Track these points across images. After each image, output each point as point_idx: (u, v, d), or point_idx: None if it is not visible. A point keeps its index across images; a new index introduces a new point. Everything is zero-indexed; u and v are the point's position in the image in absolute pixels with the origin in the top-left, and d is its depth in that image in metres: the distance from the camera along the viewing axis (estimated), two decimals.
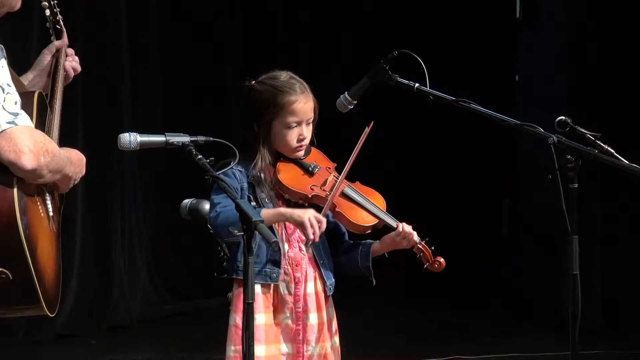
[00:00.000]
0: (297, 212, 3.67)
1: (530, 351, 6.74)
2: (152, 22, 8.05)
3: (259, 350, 3.71)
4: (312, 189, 3.81)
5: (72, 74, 3.72)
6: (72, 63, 3.71)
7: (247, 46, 8.56)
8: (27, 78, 3.62)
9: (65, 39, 3.69)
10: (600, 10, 7.38)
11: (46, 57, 3.67)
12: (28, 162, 2.98)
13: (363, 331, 7.19)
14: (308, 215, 3.66)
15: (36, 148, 3.00)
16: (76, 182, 3.35)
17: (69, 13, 7.04)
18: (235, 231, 3.23)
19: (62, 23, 3.69)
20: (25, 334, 7.03)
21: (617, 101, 7.36)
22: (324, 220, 3.70)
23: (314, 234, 3.66)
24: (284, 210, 3.70)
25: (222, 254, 3.85)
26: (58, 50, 3.67)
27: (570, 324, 3.66)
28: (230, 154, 3.49)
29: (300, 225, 3.68)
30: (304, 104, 3.82)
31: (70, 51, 3.73)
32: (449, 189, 9.32)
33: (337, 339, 3.92)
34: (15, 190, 3.01)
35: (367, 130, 3.83)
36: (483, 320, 7.69)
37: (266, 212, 3.63)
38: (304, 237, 3.80)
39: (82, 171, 3.35)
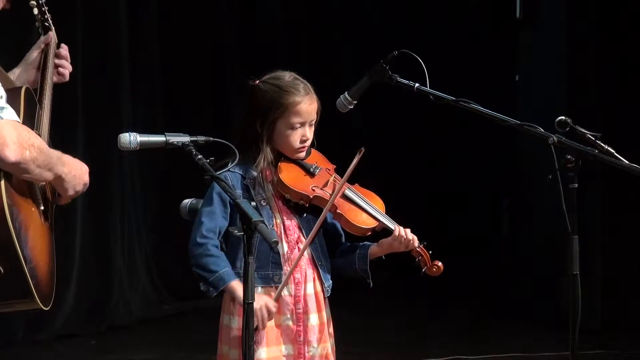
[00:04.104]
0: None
1: (530, 351, 6.74)
2: (152, 22, 8.05)
3: (261, 352, 3.73)
4: (314, 190, 3.82)
5: (67, 77, 3.72)
6: (66, 64, 3.70)
7: (247, 46, 8.56)
8: (14, 73, 3.61)
9: (53, 35, 3.70)
10: (600, 10, 7.38)
11: (34, 53, 3.67)
12: (11, 154, 2.95)
13: (363, 331, 7.20)
14: (260, 304, 3.67)
15: (20, 141, 2.98)
16: (78, 192, 3.30)
17: (69, 13, 7.11)
18: (235, 231, 3.23)
19: (50, 21, 3.70)
20: (24, 333, 7.03)
21: (617, 101, 7.36)
22: (274, 310, 3.72)
23: (261, 324, 3.70)
24: (239, 294, 3.56)
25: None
26: (47, 46, 3.67)
27: (571, 324, 3.66)
28: (229, 154, 3.50)
29: None
30: (308, 105, 3.83)
31: (65, 53, 3.72)
32: (448, 189, 9.32)
33: (332, 340, 3.93)
34: (2, 183, 3.00)
35: (357, 157, 3.81)
36: (483, 320, 7.69)
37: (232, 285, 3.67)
38: (304, 240, 3.81)
39: (84, 178, 3.30)
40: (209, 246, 3.72)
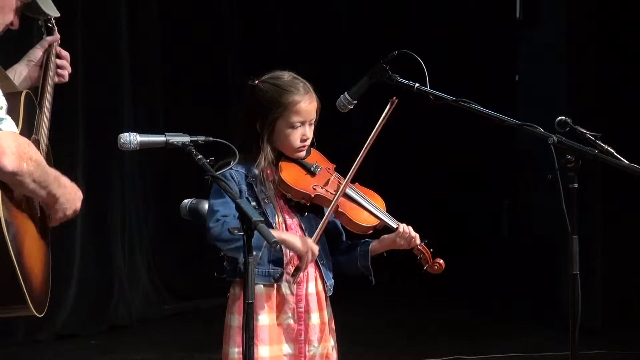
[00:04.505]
0: (299, 244, 3.72)
1: (530, 351, 6.74)
2: (152, 22, 8.05)
3: (263, 351, 3.73)
4: (315, 189, 3.82)
5: (66, 77, 3.71)
6: (66, 65, 3.69)
7: (247, 46, 8.56)
8: (15, 70, 3.60)
9: (57, 35, 3.68)
10: (600, 10, 7.38)
11: (38, 52, 3.66)
12: (9, 163, 2.95)
13: (363, 330, 7.20)
14: (307, 247, 3.71)
15: (19, 152, 2.98)
16: (67, 216, 3.30)
17: (69, 13, 7.10)
18: (236, 232, 3.22)
19: (53, 21, 3.68)
20: (25, 334, 7.04)
21: (617, 101, 7.36)
22: (317, 251, 3.75)
23: (305, 266, 3.72)
24: (286, 236, 3.72)
25: (222, 254, 3.85)
26: (50, 46, 3.65)
27: (571, 324, 3.66)
28: (230, 154, 3.49)
29: (299, 254, 3.73)
30: (308, 104, 3.83)
31: (65, 53, 3.71)
32: (449, 189, 9.32)
33: (335, 338, 3.93)
34: None
35: (389, 108, 3.82)
36: (483, 320, 7.69)
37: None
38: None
39: (77, 204, 3.29)
40: (227, 220, 3.66)
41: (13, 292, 3.06)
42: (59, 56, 3.68)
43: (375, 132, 3.81)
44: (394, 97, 3.80)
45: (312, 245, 3.74)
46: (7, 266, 3.02)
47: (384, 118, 3.81)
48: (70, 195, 3.26)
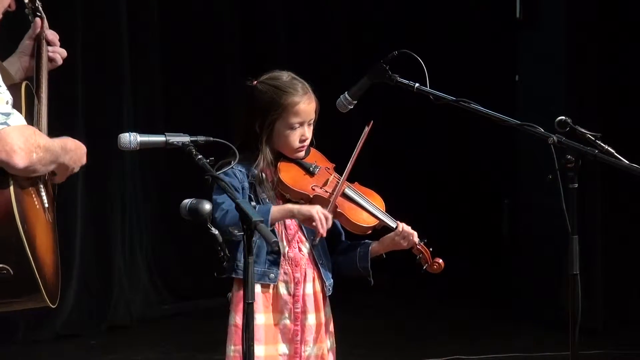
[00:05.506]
0: (305, 207, 3.73)
1: (530, 351, 6.74)
2: (152, 22, 8.05)
3: (259, 350, 3.72)
4: (314, 189, 3.82)
5: (59, 61, 3.69)
6: (56, 49, 3.67)
7: (247, 46, 8.56)
8: (10, 62, 3.59)
9: (44, 21, 3.64)
10: (600, 10, 7.38)
11: (27, 42, 3.63)
12: (20, 161, 3.02)
13: (363, 331, 7.20)
14: (316, 209, 3.70)
15: (27, 146, 3.03)
16: (75, 172, 3.35)
17: (69, 13, 7.10)
18: (236, 231, 3.22)
19: (41, 9, 3.64)
20: (25, 333, 7.03)
21: (617, 101, 7.36)
22: (330, 216, 3.72)
23: (322, 227, 3.68)
24: (291, 206, 3.75)
25: (222, 254, 3.85)
26: (39, 35, 3.61)
27: (570, 324, 3.66)
28: (230, 154, 3.49)
29: (308, 219, 3.71)
30: (307, 105, 3.83)
31: (54, 36, 3.68)
32: (449, 189, 9.31)
33: (332, 339, 3.93)
34: (11, 187, 3.05)
35: (366, 129, 3.84)
36: (483, 320, 7.69)
37: (274, 209, 3.68)
38: (304, 239, 3.82)
39: (82, 160, 3.35)
40: (232, 208, 3.59)
41: (29, 285, 3.11)
42: (48, 43, 3.65)
43: (355, 154, 3.82)
44: (371, 121, 3.81)
45: (322, 208, 3.72)
46: (22, 258, 3.06)
47: (362, 143, 3.82)
48: (76, 156, 3.32)
